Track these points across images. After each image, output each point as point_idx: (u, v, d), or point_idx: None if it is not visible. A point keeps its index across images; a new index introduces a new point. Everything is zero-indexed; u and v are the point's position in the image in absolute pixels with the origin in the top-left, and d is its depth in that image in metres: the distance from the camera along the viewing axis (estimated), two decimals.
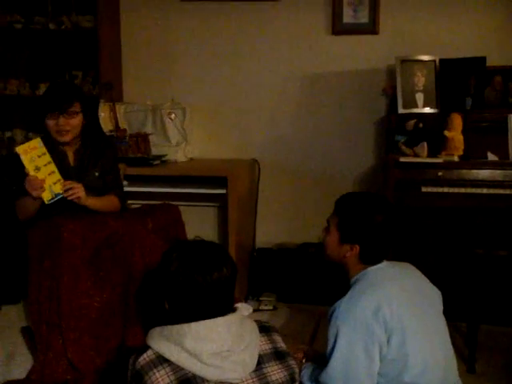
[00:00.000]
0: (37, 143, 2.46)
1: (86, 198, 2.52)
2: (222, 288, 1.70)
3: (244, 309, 1.79)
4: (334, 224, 2.03)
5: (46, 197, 2.42)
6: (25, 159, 2.40)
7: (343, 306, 1.89)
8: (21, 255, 2.54)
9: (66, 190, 2.46)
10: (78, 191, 2.48)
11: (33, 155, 2.42)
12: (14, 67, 4.03)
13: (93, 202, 2.57)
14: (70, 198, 2.47)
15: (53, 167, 2.48)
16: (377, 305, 1.83)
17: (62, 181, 2.48)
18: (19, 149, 2.41)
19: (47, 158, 2.47)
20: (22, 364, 2.40)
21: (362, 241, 1.97)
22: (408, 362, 1.83)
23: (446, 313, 2.02)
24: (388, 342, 1.83)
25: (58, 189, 2.46)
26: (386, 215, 1.97)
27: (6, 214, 2.84)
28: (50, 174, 2.45)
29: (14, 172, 2.51)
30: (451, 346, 1.98)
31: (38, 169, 2.42)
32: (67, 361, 2.28)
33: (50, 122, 2.54)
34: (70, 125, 2.56)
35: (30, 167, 2.40)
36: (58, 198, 2.45)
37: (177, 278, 1.69)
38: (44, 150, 2.47)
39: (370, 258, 1.99)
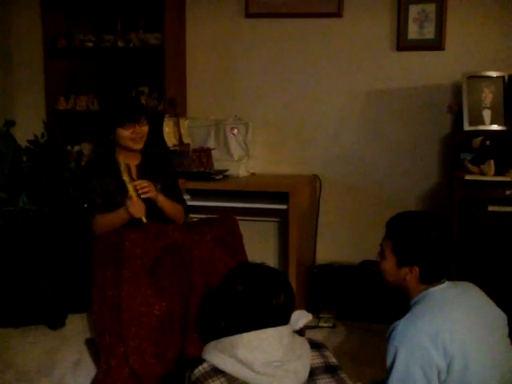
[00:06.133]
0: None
1: (157, 194, 2.64)
2: (280, 313, 1.75)
3: (304, 316, 1.81)
4: (389, 248, 1.98)
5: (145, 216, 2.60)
6: (130, 186, 2.58)
7: (401, 327, 1.85)
8: (86, 265, 2.63)
9: (141, 188, 2.59)
10: (152, 188, 2.62)
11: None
12: (85, 84, 4.19)
13: (164, 199, 2.69)
14: (145, 196, 2.59)
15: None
16: (436, 330, 1.80)
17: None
18: (127, 177, 2.60)
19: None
20: (88, 372, 2.48)
21: (421, 261, 1.92)
22: None
23: None
24: (448, 368, 1.79)
25: None
26: (441, 231, 1.93)
27: (72, 226, 2.95)
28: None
29: (84, 188, 2.68)
30: None
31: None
32: (129, 369, 2.34)
33: (126, 132, 2.66)
34: (144, 132, 2.71)
35: (133, 193, 2.57)
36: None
37: (239, 302, 1.74)
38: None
39: (430, 278, 1.94)
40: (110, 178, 2.68)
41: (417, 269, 1.93)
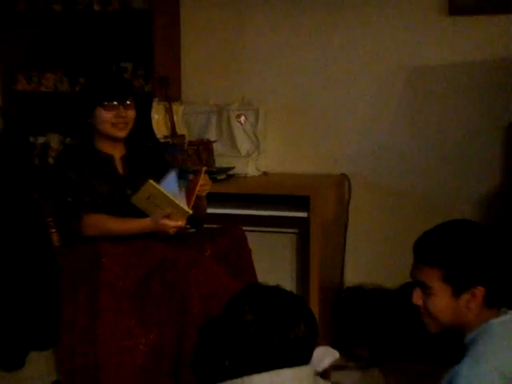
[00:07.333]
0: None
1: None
2: (299, 349, 1.73)
3: (329, 353, 1.80)
4: (437, 279, 1.96)
5: None
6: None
7: (465, 371, 1.84)
8: (52, 290, 2.64)
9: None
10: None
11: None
12: (52, 59, 4.21)
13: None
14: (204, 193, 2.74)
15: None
16: (505, 367, 1.80)
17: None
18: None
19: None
20: None
21: (486, 277, 1.91)
22: None
23: None
24: None
25: None
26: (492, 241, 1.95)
27: (35, 240, 2.95)
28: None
29: (62, 182, 2.68)
30: None
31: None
32: None
33: (107, 114, 2.68)
34: (129, 117, 2.74)
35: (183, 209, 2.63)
36: None
37: (247, 336, 1.72)
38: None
39: (498, 299, 1.94)
40: (90, 171, 2.69)
41: (482, 289, 1.92)
